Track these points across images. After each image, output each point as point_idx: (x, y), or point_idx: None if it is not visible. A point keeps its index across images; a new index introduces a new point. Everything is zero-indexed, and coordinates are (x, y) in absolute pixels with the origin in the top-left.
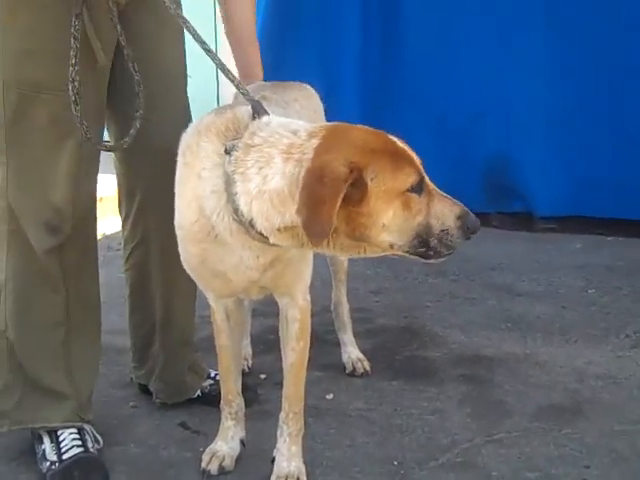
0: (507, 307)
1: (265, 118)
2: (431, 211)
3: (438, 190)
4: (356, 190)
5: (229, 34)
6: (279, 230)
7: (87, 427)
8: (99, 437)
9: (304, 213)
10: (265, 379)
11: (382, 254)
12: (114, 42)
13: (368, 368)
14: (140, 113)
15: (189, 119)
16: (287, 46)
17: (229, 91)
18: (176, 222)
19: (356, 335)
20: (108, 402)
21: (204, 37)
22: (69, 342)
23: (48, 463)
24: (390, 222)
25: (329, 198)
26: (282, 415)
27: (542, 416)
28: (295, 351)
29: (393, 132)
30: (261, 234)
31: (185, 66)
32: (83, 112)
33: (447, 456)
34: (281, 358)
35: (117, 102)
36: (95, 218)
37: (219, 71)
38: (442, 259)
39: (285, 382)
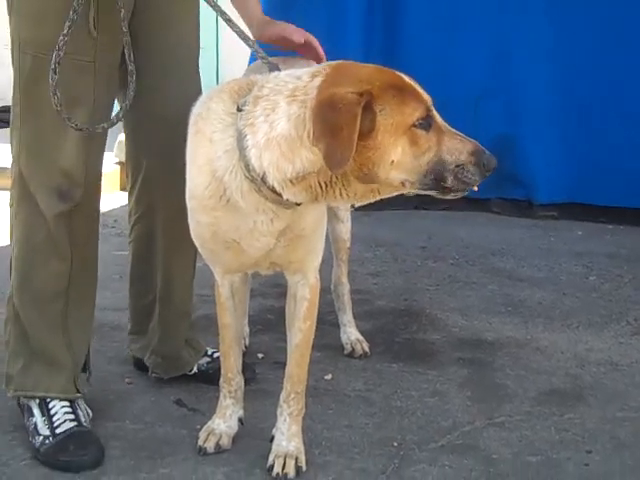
0: (508, 292)
1: (275, 72)
2: (442, 147)
3: (449, 127)
4: (365, 121)
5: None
6: (291, 182)
7: (80, 401)
8: (89, 410)
9: (323, 142)
10: (263, 358)
11: (396, 193)
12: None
13: (367, 349)
14: (127, 104)
15: (199, 91)
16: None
17: (228, 68)
18: (187, 193)
19: (355, 317)
20: (103, 378)
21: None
22: (67, 313)
23: (41, 438)
24: (399, 159)
25: (347, 122)
26: (283, 394)
27: (543, 401)
28: (302, 331)
29: None
30: (274, 190)
31: (198, 38)
32: (95, 84)
33: (447, 438)
34: (279, 338)
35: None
36: (100, 188)
37: (219, 46)
38: (459, 195)
39: (289, 362)
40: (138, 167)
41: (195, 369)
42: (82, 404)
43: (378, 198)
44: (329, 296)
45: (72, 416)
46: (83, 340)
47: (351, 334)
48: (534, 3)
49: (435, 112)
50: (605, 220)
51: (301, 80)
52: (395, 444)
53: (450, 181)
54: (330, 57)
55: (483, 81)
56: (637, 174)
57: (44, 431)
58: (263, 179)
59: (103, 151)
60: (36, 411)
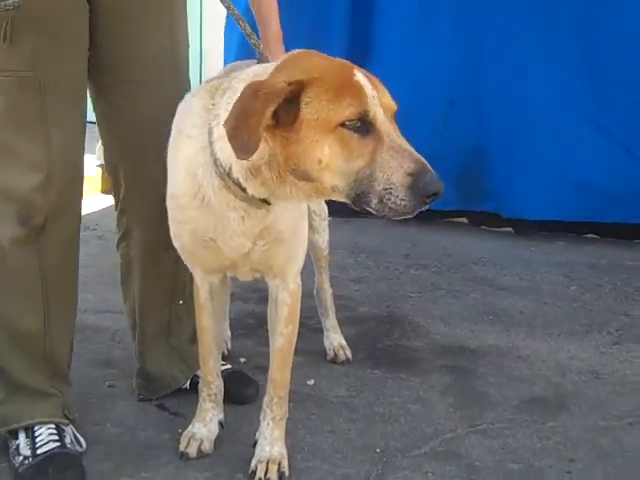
0: (489, 301)
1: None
2: (377, 160)
3: (397, 139)
4: (288, 112)
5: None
6: (251, 173)
7: (67, 427)
8: (81, 439)
9: (230, 123)
10: (245, 363)
11: (334, 198)
12: None
13: (350, 356)
14: None
15: (178, 96)
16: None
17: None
18: (167, 192)
19: (337, 322)
20: (84, 381)
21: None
22: (51, 341)
23: (21, 458)
24: (328, 159)
25: (258, 110)
26: (266, 399)
27: (525, 409)
28: (283, 335)
29: None
30: (239, 185)
31: (175, 40)
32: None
33: (430, 445)
34: (261, 342)
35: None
36: (77, 206)
37: (203, 47)
38: (398, 217)
39: (271, 366)
40: (118, 183)
41: (188, 384)
42: (71, 430)
43: (317, 199)
44: (311, 301)
45: (56, 437)
46: (67, 362)
47: (334, 340)
48: (506, 15)
49: (381, 118)
50: (584, 232)
51: (265, 69)
52: (378, 450)
53: (374, 204)
54: None
55: (453, 92)
56: (612, 190)
57: (25, 451)
58: (229, 174)
59: (77, 167)
60: (21, 433)
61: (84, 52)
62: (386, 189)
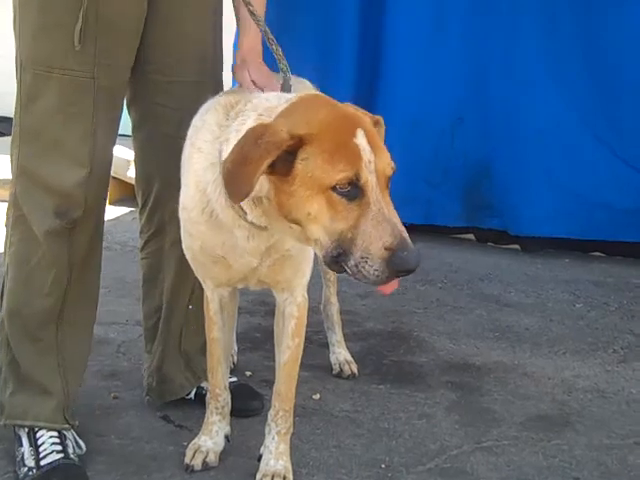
0: (495, 317)
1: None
2: (360, 226)
3: (384, 208)
4: (286, 163)
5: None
6: (253, 202)
7: (69, 432)
8: (82, 442)
9: (227, 167)
10: (251, 376)
11: (314, 250)
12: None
13: (355, 371)
14: None
15: None
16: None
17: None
18: (180, 203)
19: (343, 337)
20: (89, 392)
21: None
22: (63, 337)
23: (25, 469)
24: (317, 215)
25: (257, 159)
26: (271, 412)
27: (531, 426)
28: (290, 348)
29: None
30: (242, 208)
31: (213, 53)
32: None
33: (435, 461)
34: (267, 356)
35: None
36: (104, 204)
37: None
38: (371, 285)
39: (277, 379)
40: (149, 186)
41: (192, 394)
42: (72, 435)
43: (305, 244)
44: (318, 316)
45: (59, 447)
46: (79, 363)
47: (340, 354)
48: (513, 29)
49: (372, 186)
50: (590, 249)
51: (279, 102)
52: (383, 466)
53: (350, 266)
54: (322, 72)
55: (461, 109)
56: (618, 207)
57: (29, 462)
58: None
59: (108, 169)
60: (24, 440)
61: (134, 54)
62: (363, 257)
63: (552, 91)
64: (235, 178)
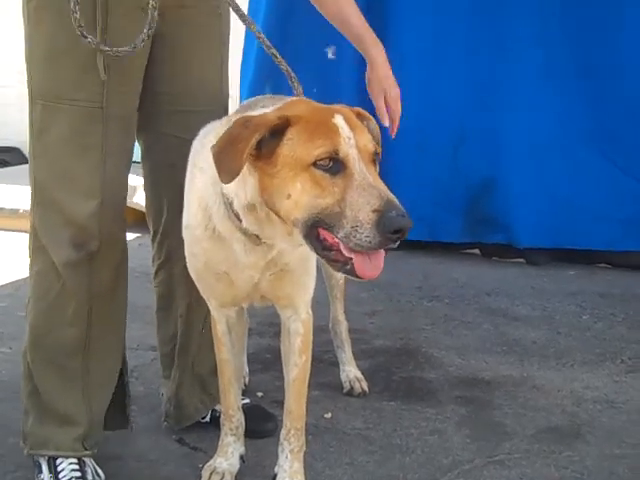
0: (503, 331)
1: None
2: (347, 198)
3: (368, 176)
4: (270, 146)
5: (331, 19)
6: (248, 209)
7: (88, 459)
8: (100, 471)
9: (216, 147)
10: (262, 397)
11: (291, 235)
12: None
13: (366, 388)
14: (148, 32)
15: None
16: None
17: None
18: (183, 222)
19: (352, 355)
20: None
21: None
22: (88, 367)
23: None
24: (297, 196)
25: (246, 137)
26: (283, 432)
27: (542, 438)
28: (297, 366)
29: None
30: (237, 216)
31: (222, 81)
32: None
33: (448, 476)
34: (277, 377)
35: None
36: (124, 233)
37: None
38: (345, 273)
39: (287, 398)
40: (159, 214)
41: (208, 417)
42: (91, 463)
43: (290, 243)
44: (327, 335)
45: (79, 473)
46: (105, 392)
47: (350, 372)
48: (514, 47)
49: (354, 158)
50: (595, 261)
51: (266, 109)
52: None
53: (341, 239)
54: (322, 82)
55: (464, 124)
56: (623, 219)
57: None
58: (231, 205)
59: (124, 197)
60: (44, 467)
61: (141, 83)
62: (353, 227)
63: (552, 105)
64: (225, 156)
